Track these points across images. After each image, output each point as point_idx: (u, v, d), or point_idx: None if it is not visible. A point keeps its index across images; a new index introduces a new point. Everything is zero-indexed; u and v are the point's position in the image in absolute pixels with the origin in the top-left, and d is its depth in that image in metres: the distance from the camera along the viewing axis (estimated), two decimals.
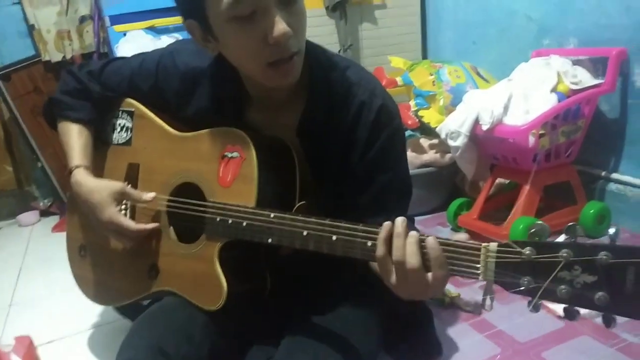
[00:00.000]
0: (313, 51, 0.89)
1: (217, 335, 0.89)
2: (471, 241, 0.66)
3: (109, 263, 1.07)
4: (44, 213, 2.66)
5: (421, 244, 0.67)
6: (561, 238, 0.60)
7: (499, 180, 1.86)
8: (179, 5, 0.84)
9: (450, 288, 1.39)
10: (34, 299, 1.70)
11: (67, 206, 1.23)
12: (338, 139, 0.90)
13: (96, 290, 1.13)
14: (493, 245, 0.62)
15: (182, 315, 0.89)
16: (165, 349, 0.82)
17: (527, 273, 0.58)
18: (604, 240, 0.56)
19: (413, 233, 0.68)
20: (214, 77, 0.94)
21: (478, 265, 0.62)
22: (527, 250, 0.58)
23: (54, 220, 2.56)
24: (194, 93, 0.97)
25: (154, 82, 1.00)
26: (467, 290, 1.39)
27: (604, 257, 0.53)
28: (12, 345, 1.25)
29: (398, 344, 1.07)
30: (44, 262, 2.01)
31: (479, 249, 0.62)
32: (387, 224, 0.70)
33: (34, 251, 2.19)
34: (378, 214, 0.86)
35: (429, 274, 0.67)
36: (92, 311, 1.46)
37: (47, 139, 2.52)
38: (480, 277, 0.62)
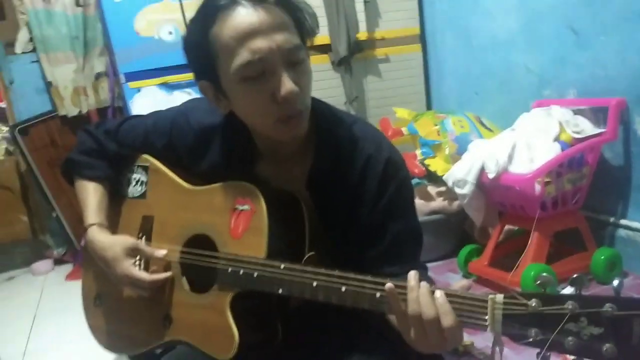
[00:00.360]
0: (318, 107, 0.94)
1: None
2: (477, 292, 0.67)
3: (124, 312, 1.08)
4: (58, 261, 2.68)
5: (432, 295, 0.68)
6: (567, 289, 0.61)
7: (507, 226, 1.86)
8: (193, 68, 0.89)
9: (464, 336, 1.38)
10: (47, 348, 1.70)
11: (83, 257, 1.25)
12: (347, 192, 0.93)
13: (110, 338, 1.14)
14: (499, 297, 0.63)
15: None
16: None
17: (534, 325, 0.59)
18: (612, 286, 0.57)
19: (424, 284, 0.69)
20: (225, 133, 0.98)
21: (486, 317, 0.63)
22: (533, 302, 0.59)
23: (67, 268, 2.58)
24: (208, 149, 1.01)
25: (168, 140, 1.05)
26: (480, 338, 1.37)
27: (609, 309, 0.54)
28: None
29: None
30: (58, 310, 2.02)
31: (485, 301, 0.63)
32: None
33: (47, 300, 2.20)
34: (390, 263, 0.88)
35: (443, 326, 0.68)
36: None
37: (62, 190, 2.58)
38: (488, 329, 0.62)
